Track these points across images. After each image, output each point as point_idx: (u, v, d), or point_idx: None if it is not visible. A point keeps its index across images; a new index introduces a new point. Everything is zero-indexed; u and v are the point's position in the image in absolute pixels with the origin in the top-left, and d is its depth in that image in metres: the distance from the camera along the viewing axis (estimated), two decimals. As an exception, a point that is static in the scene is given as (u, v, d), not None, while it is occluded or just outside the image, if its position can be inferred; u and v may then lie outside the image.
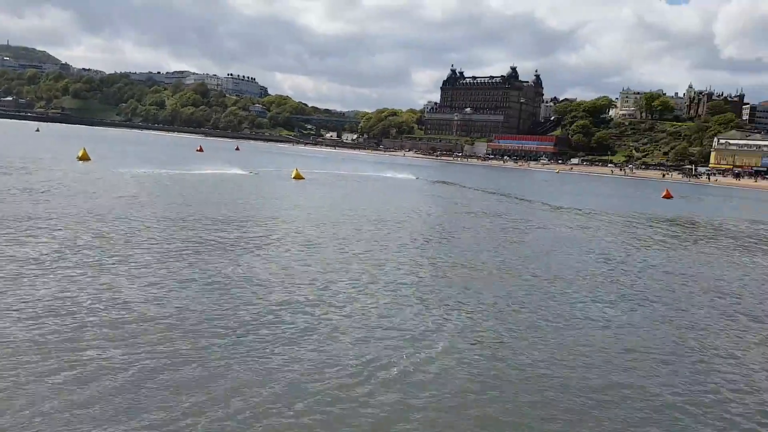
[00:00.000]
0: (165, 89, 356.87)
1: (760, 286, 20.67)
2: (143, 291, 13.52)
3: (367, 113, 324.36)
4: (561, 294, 16.78)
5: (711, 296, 18.31)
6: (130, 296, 13.03)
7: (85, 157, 51.26)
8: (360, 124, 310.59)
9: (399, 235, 25.59)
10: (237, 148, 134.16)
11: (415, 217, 33.20)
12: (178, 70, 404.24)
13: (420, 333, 12.28)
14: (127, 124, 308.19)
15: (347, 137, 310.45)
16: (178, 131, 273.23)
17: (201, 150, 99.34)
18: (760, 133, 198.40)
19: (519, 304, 15.25)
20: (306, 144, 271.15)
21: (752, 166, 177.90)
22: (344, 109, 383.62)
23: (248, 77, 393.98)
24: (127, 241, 18.76)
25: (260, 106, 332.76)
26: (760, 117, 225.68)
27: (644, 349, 12.34)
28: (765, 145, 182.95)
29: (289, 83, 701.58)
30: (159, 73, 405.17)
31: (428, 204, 44.13)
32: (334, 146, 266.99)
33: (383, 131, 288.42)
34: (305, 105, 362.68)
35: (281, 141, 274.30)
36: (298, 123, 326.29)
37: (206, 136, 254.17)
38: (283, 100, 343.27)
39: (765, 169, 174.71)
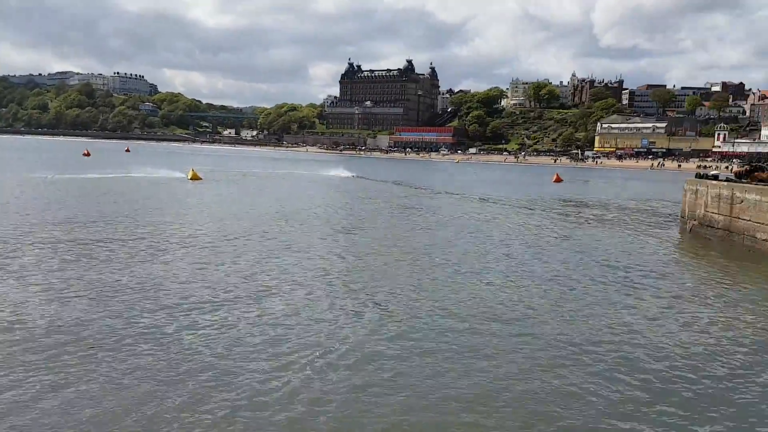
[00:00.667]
0: (48, 91, 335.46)
1: (640, 257, 21.87)
2: (25, 300, 12.36)
3: (266, 109, 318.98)
4: (462, 273, 16.94)
5: (589, 261, 19.18)
6: (18, 304, 11.86)
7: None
8: (259, 120, 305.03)
9: (305, 230, 25.05)
10: (127, 150, 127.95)
11: (321, 212, 32.69)
12: (61, 70, 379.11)
13: (319, 323, 11.95)
14: (8, 129, 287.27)
15: (247, 134, 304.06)
16: (63, 135, 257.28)
17: (88, 154, 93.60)
18: (639, 116, 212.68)
19: (421, 287, 15.23)
20: (203, 142, 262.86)
21: (633, 148, 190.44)
22: (242, 105, 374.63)
23: (136, 75, 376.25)
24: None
25: (151, 104, 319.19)
26: (638, 101, 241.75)
27: (536, 306, 13.00)
28: (644, 128, 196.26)
29: (181, 80, 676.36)
30: (41, 74, 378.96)
31: (336, 198, 43.70)
32: (233, 144, 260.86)
33: (284, 127, 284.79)
34: (199, 102, 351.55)
35: (176, 140, 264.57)
36: (193, 121, 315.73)
37: (94, 138, 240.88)
38: (175, 98, 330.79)
39: (645, 149, 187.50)
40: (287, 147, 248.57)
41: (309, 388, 9.41)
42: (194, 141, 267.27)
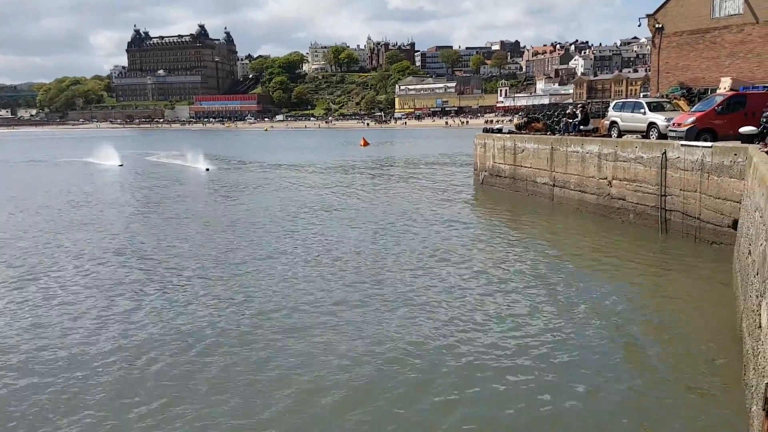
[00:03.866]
0: None
1: (439, 210, 23.63)
2: None
3: (45, 84, 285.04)
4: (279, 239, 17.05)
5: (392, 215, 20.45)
6: None
7: None
8: (38, 98, 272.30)
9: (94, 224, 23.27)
10: None
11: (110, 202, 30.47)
12: None
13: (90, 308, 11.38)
14: None
15: (25, 113, 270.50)
16: None
17: None
18: (432, 77, 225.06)
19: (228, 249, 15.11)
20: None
21: (430, 108, 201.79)
22: (16, 82, 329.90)
23: None
24: None
25: None
26: (430, 62, 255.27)
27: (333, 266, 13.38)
28: (437, 88, 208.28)
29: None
30: None
31: (128, 187, 40.81)
32: (11, 125, 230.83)
33: (68, 103, 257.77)
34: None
35: None
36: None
37: None
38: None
39: (440, 109, 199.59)
40: (74, 124, 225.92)
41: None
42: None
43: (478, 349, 10.01)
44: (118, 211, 25.22)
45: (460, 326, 11.03)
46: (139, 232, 20.57)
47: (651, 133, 20.88)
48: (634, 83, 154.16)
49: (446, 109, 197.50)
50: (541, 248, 17.16)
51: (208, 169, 40.81)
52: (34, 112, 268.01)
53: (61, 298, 13.02)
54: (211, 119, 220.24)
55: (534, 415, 7.96)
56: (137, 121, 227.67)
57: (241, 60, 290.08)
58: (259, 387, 8.81)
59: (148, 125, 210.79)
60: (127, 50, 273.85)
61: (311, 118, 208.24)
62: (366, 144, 75.32)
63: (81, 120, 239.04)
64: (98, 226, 21.63)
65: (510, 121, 73.93)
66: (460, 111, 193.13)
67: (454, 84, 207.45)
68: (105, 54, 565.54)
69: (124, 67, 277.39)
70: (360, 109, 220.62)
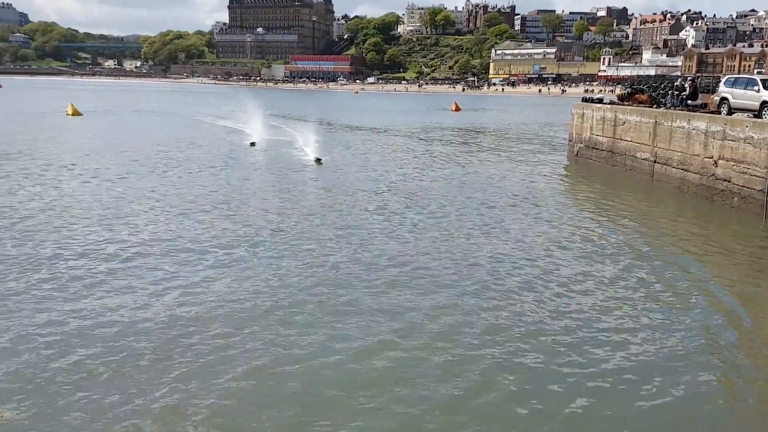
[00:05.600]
0: None
1: (531, 183, 22.79)
2: None
3: (150, 37, 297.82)
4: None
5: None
6: None
7: None
8: (143, 50, 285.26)
9: (189, 170, 24.04)
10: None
11: (211, 149, 31.42)
12: None
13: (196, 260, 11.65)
14: None
15: (130, 65, 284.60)
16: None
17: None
18: (530, 41, 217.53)
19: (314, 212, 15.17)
20: (82, 75, 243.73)
21: (526, 74, 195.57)
22: (123, 34, 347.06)
23: (4, 3, 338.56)
24: None
25: (22, 35, 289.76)
26: (530, 26, 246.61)
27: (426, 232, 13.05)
28: (536, 53, 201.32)
29: (53, 7, 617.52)
30: None
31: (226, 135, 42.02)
32: (116, 76, 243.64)
33: (170, 57, 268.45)
34: (76, 31, 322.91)
35: (53, 73, 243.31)
36: (71, 52, 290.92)
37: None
38: (48, 27, 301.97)
39: (536, 75, 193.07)
40: (175, 78, 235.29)
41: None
42: (73, 74, 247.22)
43: (558, 334, 9.54)
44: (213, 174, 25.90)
45: (542, 309, 10.55)
46: (225, 189, 21.06)
47: (764, 112, 19.20)
48: (748, 59, 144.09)
49: (543, 76, 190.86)
50: (635, 229, 16.20)
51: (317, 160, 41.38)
52: (138, 64, 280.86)
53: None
54: (304, 79, 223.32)
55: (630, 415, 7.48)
56: (235, 78, 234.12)
57: (338, 20, 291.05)
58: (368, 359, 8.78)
59: (245, 83, 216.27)
60: (228, 6, 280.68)
61: (403, 82, 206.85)
62: (458, 109, 74.33)
63: (184, 74, 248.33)
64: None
65: (611, 91, 70.63)
66: (558, 79, 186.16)
67: (553, 50, 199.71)
68: (207, 9, 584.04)
69: (225, 24, 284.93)
70: (452, 74, 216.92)
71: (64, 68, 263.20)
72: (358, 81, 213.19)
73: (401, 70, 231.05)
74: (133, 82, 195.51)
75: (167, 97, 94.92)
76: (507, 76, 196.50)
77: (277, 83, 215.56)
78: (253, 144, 31.68)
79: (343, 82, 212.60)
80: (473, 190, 21.26)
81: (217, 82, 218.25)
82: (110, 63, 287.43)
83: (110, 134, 37.08)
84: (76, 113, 48.50)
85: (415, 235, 14.82)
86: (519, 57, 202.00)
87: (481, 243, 14.41)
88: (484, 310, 10.27)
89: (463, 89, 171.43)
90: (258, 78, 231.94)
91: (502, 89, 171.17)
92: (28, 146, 29.10)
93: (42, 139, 32.06)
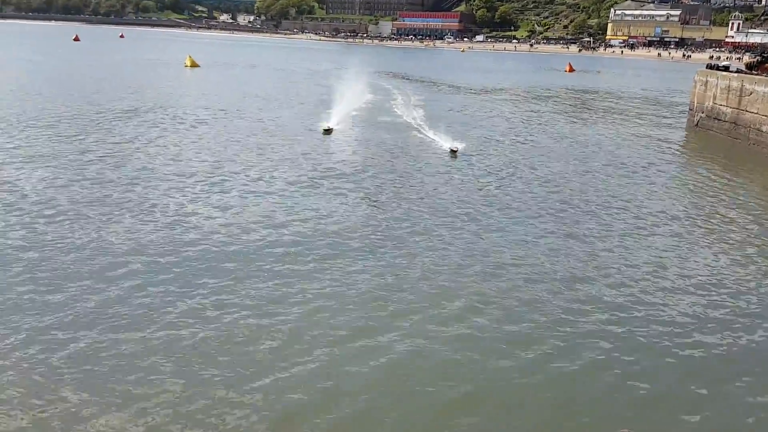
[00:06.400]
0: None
1: (646, 153, 21.61)
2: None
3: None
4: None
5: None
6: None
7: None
8: (256, 4, 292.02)
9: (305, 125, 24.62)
10: (121, 36, 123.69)
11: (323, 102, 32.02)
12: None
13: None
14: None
15: (243, 19, 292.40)
16: (55, 19, 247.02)
17: (77, 39, 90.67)
18: (653, 2, 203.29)
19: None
20: (198, 28, 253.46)
21: (646, 36, 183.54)
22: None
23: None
24: None
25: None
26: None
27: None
28: (658, 15, 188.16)
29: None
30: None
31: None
32: (230, 30, 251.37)
33: (282, 12, 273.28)
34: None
35: (171, 26, 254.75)
36: (188, 5, 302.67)
37: (87, 23, 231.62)
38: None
39: (657, 39, 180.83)
40: (285, 34, 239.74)
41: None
42: (190, 27, 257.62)
43: (667, 321, 9.13)
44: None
45: (651, 291, 10.12)
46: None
47: None
48: None
49: (665, 39, 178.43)
50: (757, 210, 15.06)
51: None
52: (251, 18, 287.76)
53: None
54: (411, 36, 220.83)
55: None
56: (342, 34, 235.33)
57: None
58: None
59: (352, 40, 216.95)
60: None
61: (513, 41, 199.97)
62: (571, 70, 71.93)
63: (294, 30, 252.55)
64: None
65: (738, 59, 65.14)
66: (681, 43, 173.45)
67: (678, 12, 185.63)
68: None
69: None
70: (567, 34, 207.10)
71: (181, 20, 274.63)
72: (465, 39, 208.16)
73: (512, 28, 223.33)
74: (245, 37, 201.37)
75: (277, 53, 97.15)
76: (626, 37, 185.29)
77: (382, 40, 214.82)
78: (328, 131, 23.15)
79: (450, 40, 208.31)
80: (578, 157, 20.51)
81: (322, 38, 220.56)
82: (225, 17, 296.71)
83: (225, 86, 38.57)
84: (194, 65, 50.68)
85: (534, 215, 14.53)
86: (640, 18, 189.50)
87: (578, 216, 13.95)
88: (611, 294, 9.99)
89: (579, 50, 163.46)
90: (365, 35, 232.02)
91: (621, 51, 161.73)
92: (153, 94, 30.81)
93: (165, 88, 33.92)
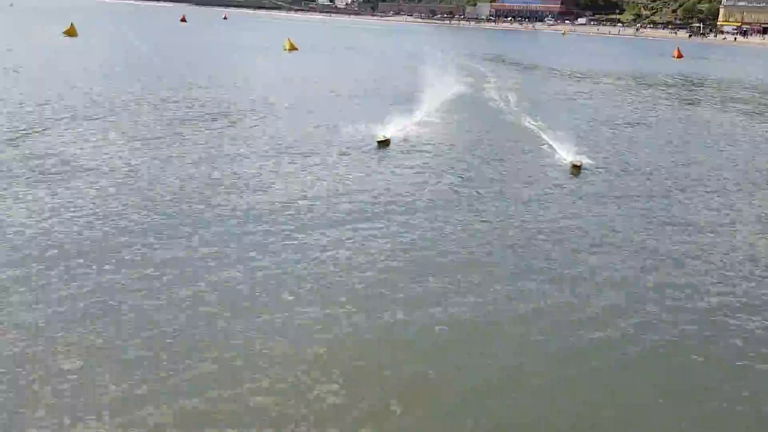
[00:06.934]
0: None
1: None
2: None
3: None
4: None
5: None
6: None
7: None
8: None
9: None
10: (225, 17, 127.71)
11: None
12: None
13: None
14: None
15: (341, 2, 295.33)
16: (164, 0, 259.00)
17: (184, 20, 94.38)
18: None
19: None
20: (297, 11, 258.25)
21: (761, 23, 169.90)
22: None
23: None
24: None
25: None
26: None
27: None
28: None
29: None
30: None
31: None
32: (328, 12, 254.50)
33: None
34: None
35: (272, 8, 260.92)
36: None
37: (190, 3, 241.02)
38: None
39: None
40: (382, 16, 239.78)
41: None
42: (290, 9, 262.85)
43: None
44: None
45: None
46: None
47: None
48: None
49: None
50: None
51: None
52: (349, 1, 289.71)
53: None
54: (510, 18, 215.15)
55: None
56: (438, 16, 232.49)
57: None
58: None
59: (448, 22, 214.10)
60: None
61: (618, 24, 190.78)
62: (680, 56, 68.28)
63: (390, 12, 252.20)
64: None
65: None
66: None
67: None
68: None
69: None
70: (675, 18, 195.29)
71: (282, 3, 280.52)
72: (567, 21, 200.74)
73: (617, 11, 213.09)
74: (342, 19, 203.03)
75: (373, 36, 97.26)
76: (738, 24, 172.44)
77: (479, 22, 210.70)
78: (383, 142, 17.62)
79: (550, 22, 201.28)
80: (684, 152, 18.95)
81: (417, 20, 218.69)
82: (323, 0, 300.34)
83: (319, 71, 38.69)
84: (292, 48, 51.33)
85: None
86: (755, 4, 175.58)
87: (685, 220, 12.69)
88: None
89: (690, 36, 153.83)
90: (461, 16, 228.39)
91: (734, 39, 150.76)
92: (242, 82, 31.06)
93: (256, 75, 34.53)
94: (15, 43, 39.07)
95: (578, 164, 15.69)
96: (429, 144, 18.08)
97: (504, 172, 15.68)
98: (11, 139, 15.57)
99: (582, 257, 10.33)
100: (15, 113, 18.67)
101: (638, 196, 14.12)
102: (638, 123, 24.71)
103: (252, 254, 9.68)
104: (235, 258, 9.52)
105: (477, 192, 13.63)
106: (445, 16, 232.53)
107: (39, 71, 28.45)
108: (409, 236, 10.81)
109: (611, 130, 22.59)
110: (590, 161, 16.42)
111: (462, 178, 14.77)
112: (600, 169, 16.13)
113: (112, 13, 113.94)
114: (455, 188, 13.86)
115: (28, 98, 21.12)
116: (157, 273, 8.87)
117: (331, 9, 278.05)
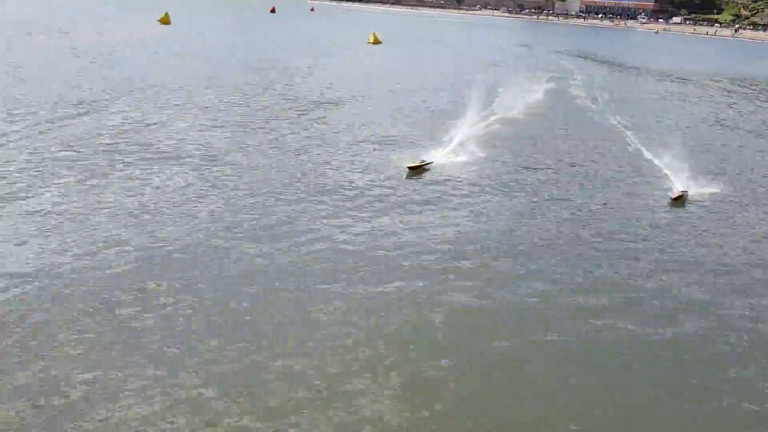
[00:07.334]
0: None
1: None
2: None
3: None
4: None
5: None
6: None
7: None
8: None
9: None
10: (312, 9, 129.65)
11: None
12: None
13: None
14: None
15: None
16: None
17: (273, 11, 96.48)
18: None
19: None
20: (383, 3, 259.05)
21: None
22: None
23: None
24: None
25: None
26: None
27: None
28: None
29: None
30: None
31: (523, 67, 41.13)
32: (413, 6, 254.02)
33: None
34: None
35: (356, 0, 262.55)
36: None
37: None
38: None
39: None
40: (468, 9, 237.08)
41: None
42: (376, 1, 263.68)
43: None
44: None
45: None
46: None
47: None
48: None
49: None
50: None
51: None
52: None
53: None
54: (601, 15, 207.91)
55: None
56: (526, 11, 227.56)
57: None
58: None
59: (536, 17, 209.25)
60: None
61: (715, 24, 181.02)
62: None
63: (477, 6, 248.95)
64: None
65: None
66: None
67: None
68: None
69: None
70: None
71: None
72: (660, 20, 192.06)
73: (715, 11, 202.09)
74: (428, 13, 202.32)
75: (457, 30, 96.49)
76: None
77: (567, 18, 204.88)
78: (415, 168, 15.39)
79: (643, 20, 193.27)
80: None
81: (504, 15, 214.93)
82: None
83: (398, 65, 38.79)
84: (376, 41, 51.66)
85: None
86: None
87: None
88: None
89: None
90: (550, 12, 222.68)
91: None
92: (341, 68, 31.64)
93: (350, 64, 34.94)
94: (115, 31, 41.18)
95: (680, 194, 14.25)
96: (508, 150, 17.95)
97: (588, 193, 15.11)
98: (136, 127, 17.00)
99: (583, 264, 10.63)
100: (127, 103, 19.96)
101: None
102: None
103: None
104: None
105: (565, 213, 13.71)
106: (534, 11, 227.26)
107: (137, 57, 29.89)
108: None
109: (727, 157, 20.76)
110: (689, 183, 15.12)
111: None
112: (703, 201, 14.58)
113: (202, 2, 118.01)
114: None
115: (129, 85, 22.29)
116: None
117: (417, 2, 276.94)
